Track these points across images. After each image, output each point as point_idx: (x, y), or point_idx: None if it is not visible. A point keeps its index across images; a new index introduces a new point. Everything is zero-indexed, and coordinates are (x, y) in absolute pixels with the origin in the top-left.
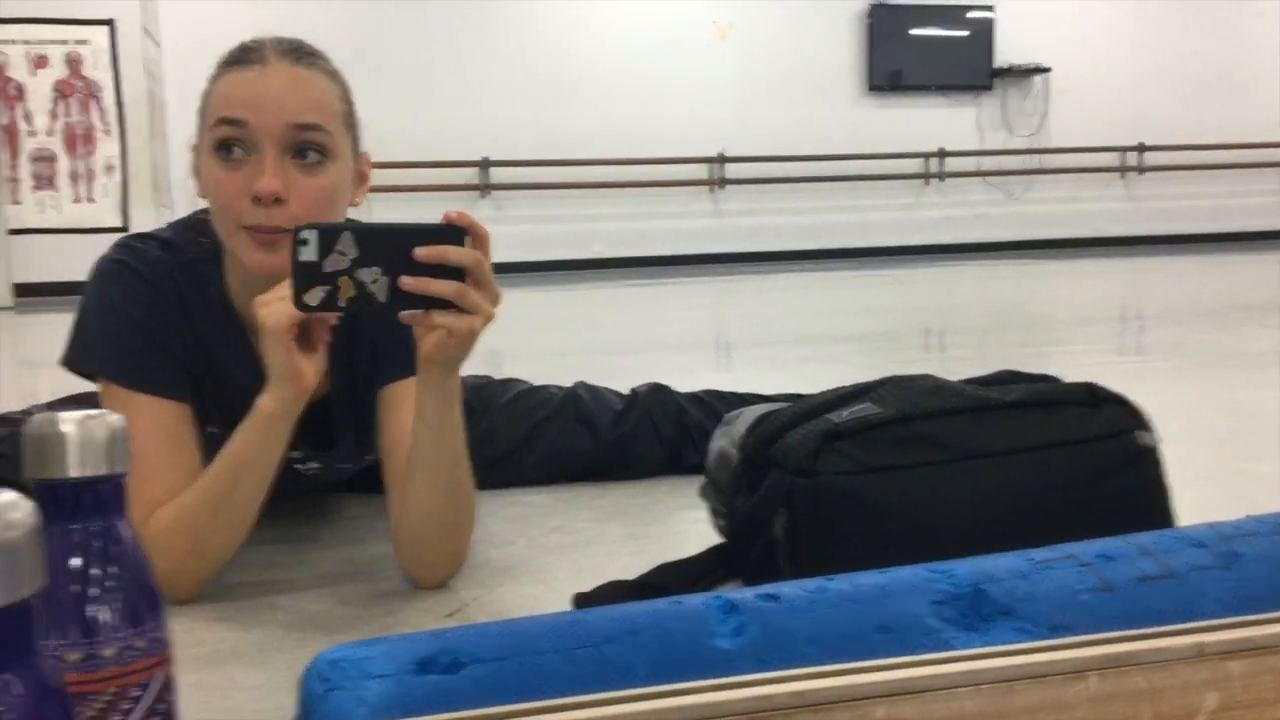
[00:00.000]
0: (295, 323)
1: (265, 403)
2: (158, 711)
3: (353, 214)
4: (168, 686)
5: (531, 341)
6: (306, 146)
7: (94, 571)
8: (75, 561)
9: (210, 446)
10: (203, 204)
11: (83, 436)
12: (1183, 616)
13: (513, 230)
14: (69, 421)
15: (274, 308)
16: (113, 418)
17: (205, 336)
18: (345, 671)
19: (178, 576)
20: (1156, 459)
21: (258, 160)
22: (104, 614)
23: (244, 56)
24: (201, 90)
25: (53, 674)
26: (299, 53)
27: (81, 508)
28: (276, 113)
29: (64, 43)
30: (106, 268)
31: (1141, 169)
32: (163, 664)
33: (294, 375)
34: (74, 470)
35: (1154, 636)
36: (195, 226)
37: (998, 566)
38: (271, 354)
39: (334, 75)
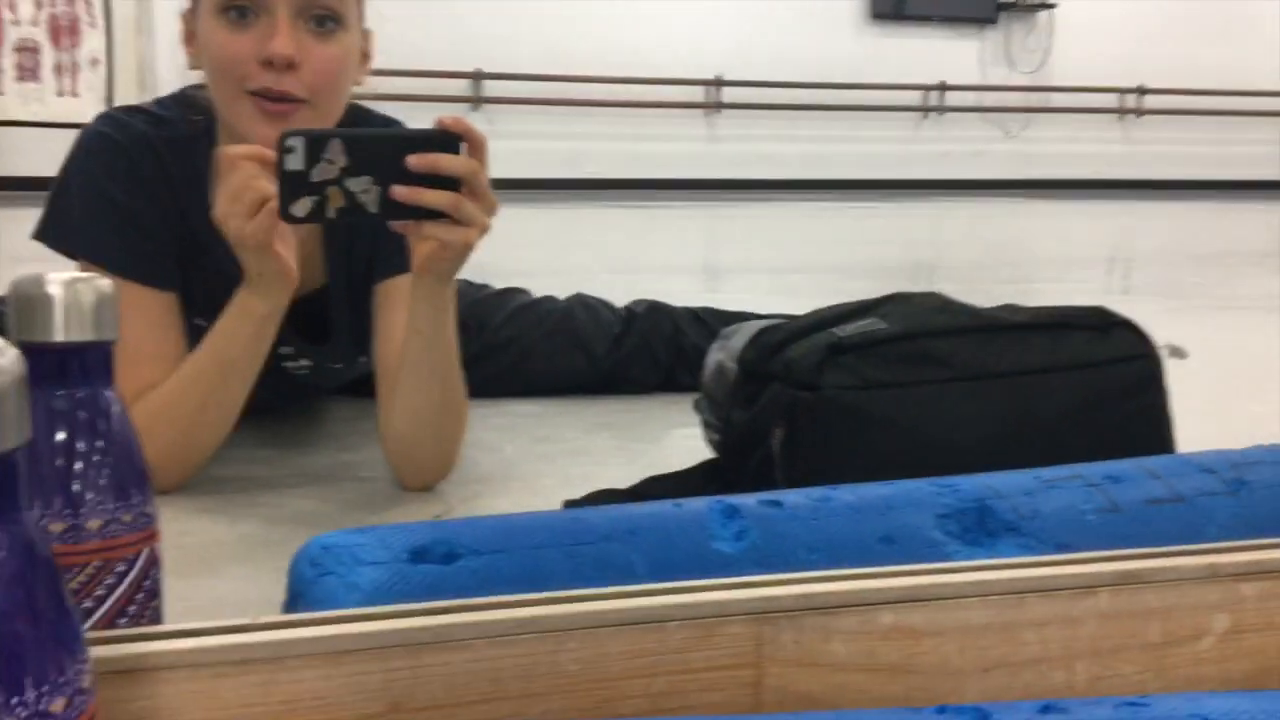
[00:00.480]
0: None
1: (253, 304)
2: (143, 588)
3: (357, 93)
4: (153, 563)
5: (523, 258)
6: (322, 11)
7: (79, 441)
8: (60, 428)
9: (195, 338)
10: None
11: (70, 299)
12: (1189, 540)
13: (505, 145)
14: (56, 283)
15: (253, 224)
16: (102, 282)
17: (192, 219)
18: (338, 557)
19: (163, 465)
20: (1163, 385)
21: (269, 22)
22: (89, 485)
23: None
24: None
25: (39, 535)
26: None
27: (68, 373)
28: None
29: None
30: (90, 140)
31: (1140, 111)
32: (149, 540)
33: (283, 273)
34: (60, 334)
35: (1167, 555)
36: (185, 101)
37: (1004, 483)
38: (256, 263)
39: None
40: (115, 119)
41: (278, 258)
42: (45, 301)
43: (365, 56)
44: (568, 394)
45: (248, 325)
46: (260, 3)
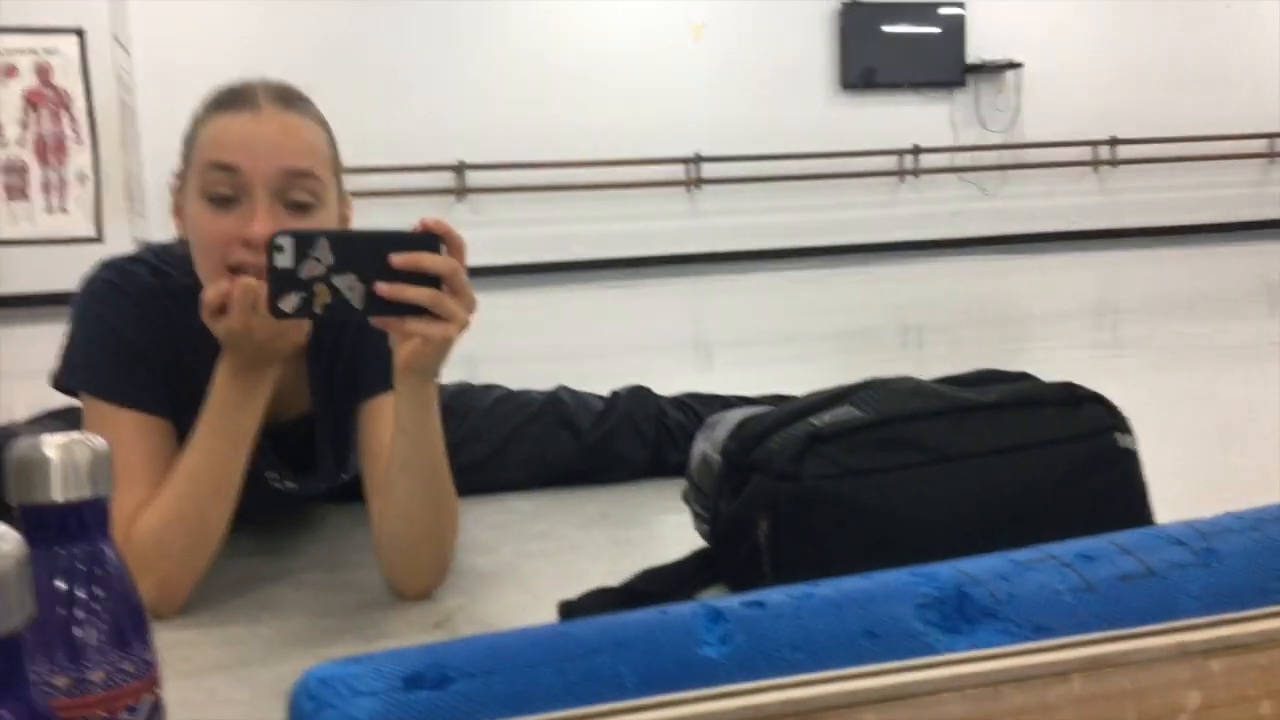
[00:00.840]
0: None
1: (271, 374)
2: None
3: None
4: (156, 709)
5: (509, 345)
6: (298, 199)
7: (80, 595)
8: (61, 586)
9: None
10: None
11: (66, 460)
12: (1163, 615)
13: (489, 234)
14: (52, 446)
15: (279, 339)
16: (95, 440)
17: (190, 364)
18: (334, 689)
19: (172, 580)
20: (1136, 458)
21: (249, 204)
22: (91, 638)
23: (234, 100)
24: (176, 111)
25: (42, 704)
26: (290, 98)
27: (66, 531)
28: (270, 158)
29: (33, 52)
30: (96, 287)
31: (1114, 162)
32: (151, 686)
33: (298, 338)
34: (58, 494)
35: (1137, 637)
36: (182, 258)
37: (979, 568)
38: (284, 342)
39: (322, 121)
40: (120, 268)
41: (293, 327)
42: (42, 464)
43: (343, 220)
44: (559, 482)
45: (261, 394)
46: (241, 190)
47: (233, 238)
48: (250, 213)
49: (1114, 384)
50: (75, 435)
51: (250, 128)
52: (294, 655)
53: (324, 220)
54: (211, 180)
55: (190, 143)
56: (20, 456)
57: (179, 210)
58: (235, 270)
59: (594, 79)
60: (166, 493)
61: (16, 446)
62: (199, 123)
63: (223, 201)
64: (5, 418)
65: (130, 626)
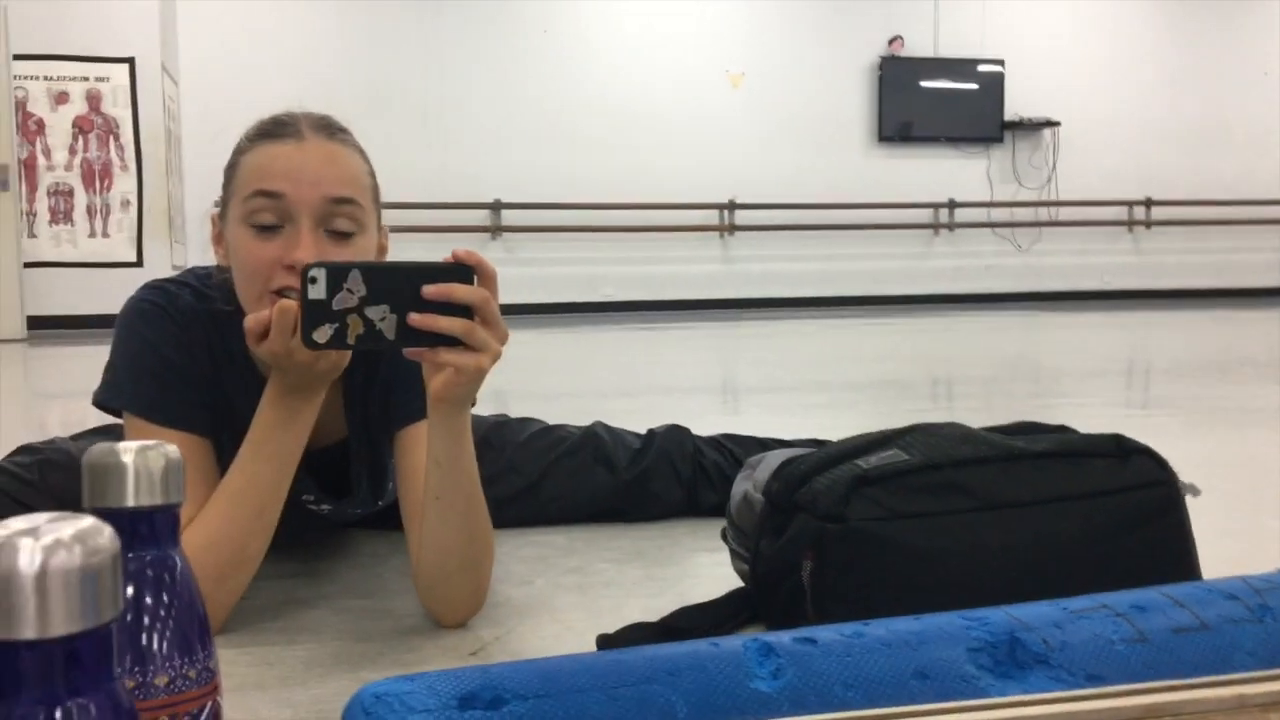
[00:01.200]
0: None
1: (292, 402)
2: None
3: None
4: (216, 716)
5: (540, 383)
6: (340, 227)
7: (149, 601)
8: (131, 591)
9: None
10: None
11: (141, 467)
12: (1216, 668)
13: (523, 272)
14: (129, 451)
15: (321, 360)
16: (169, 449)
17: (229, 388)
18: (389, 705)
19: (217, 592)
20: (1183, 510)
21: (293, 231)
22: (158, 643)
23: (278, 130)
24: (220, 142)
25: (127, 698)
26: (331, 128)
27: (138, 537)
28: (314, 186)
29: (84, 79)
30: (137, 306)
31: (1149, 223)
32: (212, 693)
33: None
34: (131, 500)
35: (1195, 687)
36: (222, 281)
37: (1032, 615)
38: (323, 365)
39: (362, 152)
40: (164, 290)
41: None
42: (118, 470)
43: (381, 249)
44: (594, 519)
45: (308, 414)
46: (285, 217)
47: (276, 264)
48: (294, 239)
49: (1149, 443)
50: (150, 443)
51: (294, 156)
52: (332, 677)
53: (365, 247)
54: (256, 207)
55: (232, 171)
56: (97, 461)
57: (219, 238)
58: (279, 295)
59: (632, 123)
60: (209, 512)
61: (94, 451)
62: (241, 151)
63: (266, 229)
64: (41, 436)
65: (195, 634)
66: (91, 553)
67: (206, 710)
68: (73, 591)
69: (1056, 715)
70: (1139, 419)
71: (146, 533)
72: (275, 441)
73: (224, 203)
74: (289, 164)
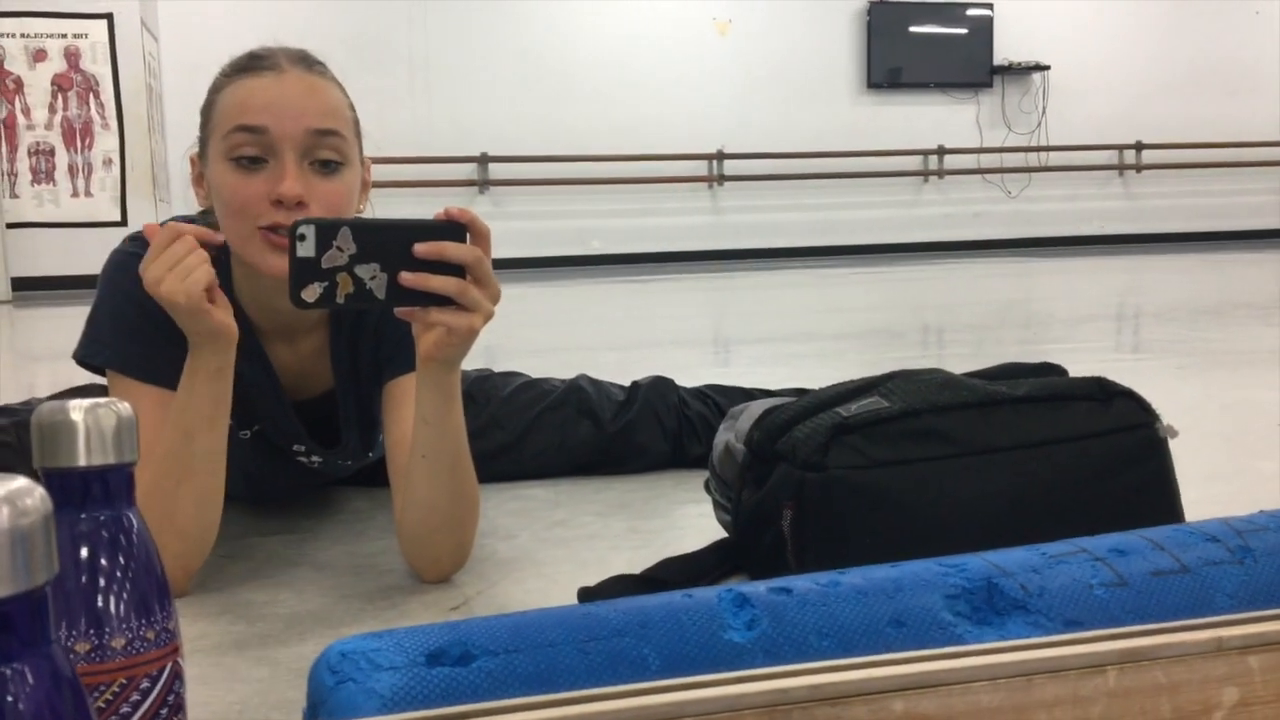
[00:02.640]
0: (207, 290)
1: (204, 359)
2: (167, 703)
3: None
4: (177, 677)
5: (529, 337)
6: (325, 157)
7: (103, 561)
8: (84, 552)
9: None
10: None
11: (92, 425)
12: (1196, 611)
13: (511, 226)
14: (78, 409)
15: (180, 286)
16: (121, 406)
17: None
18: (356, 663)
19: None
20: (1166, 453)
21: (276, 165)
22: (113, 604)
23: (255, 64)
24: (203, 98)
25: (66, 663)
26: (309, 60)
27: (91, 497)
28: (297, 118)
29: (63, 36)
30: (119, 259)
31: (1139, 167)
32: (172, 655)
33: (220, 330)
34: (83, 459)
35: (1172, 631)
36: (211, 226)
37: (1009, 560)
38: (192, 324)
39: (340, 84)
40: (144, 240)
41: (211, 315)
42: (69, 428)
43: (365, 184)
44: (579, 472)
45: (200, 384)
46: (269, 147)
47: (263, 199)
48: (279, 173)
49: (1139, 387)
50: (101, 400)
51: (274, 89)
52: (313, 635)
53: (350, 180)
54: (237, 142)
55: (210, 109)
56: (46, 420)
57: (199, 179)
58: (269, 231)
59: (618, 74)
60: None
61: (42, 410)
62: (218, 88)
63: (250, 163)
64: (28, 396)
65: (153, 594)
66: (21, 514)
67: (166, 671)
68: (1, 554)
69: (1033, 661)
70: (1130, 363)
71: (99, 493)
72: (185, 410)
73: (203, 141)
74: (269, 97)
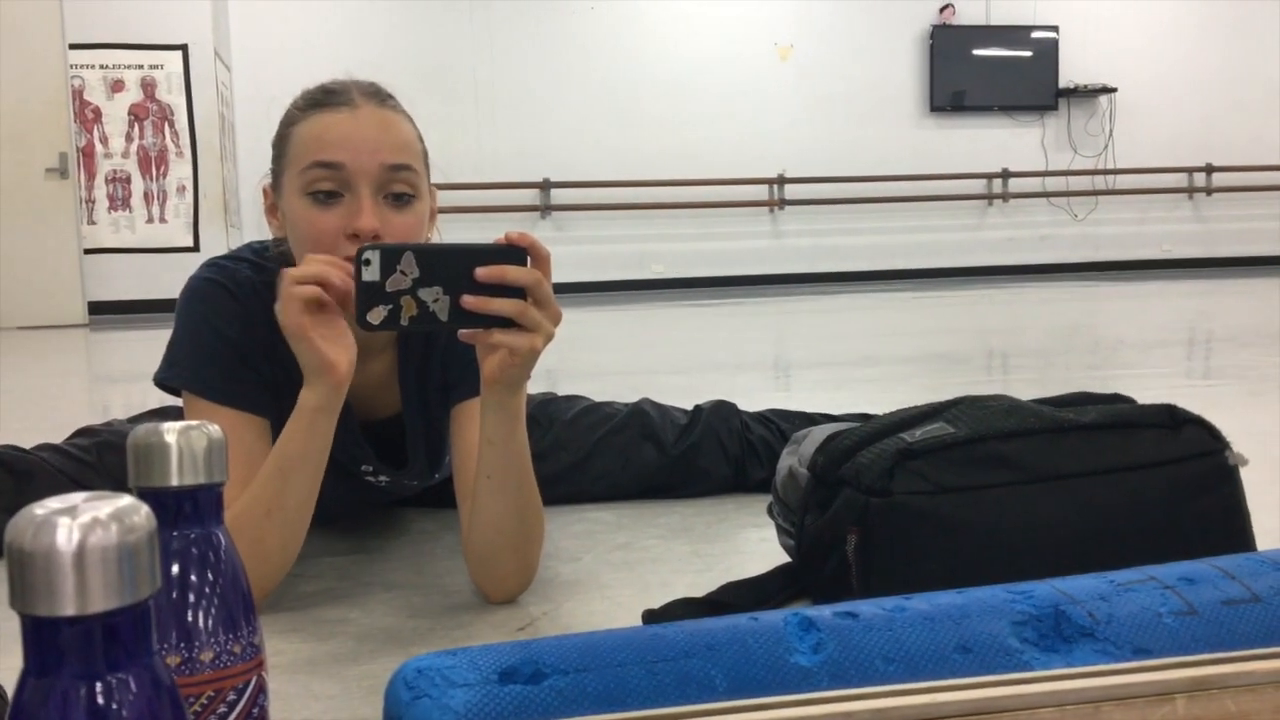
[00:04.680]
0: (308, 314)
1: (305, 397)
2: (252, 715)
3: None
4: (261, 690)
5: (591, 361)
6: (399, 190)
7: (193, 578)
8: (175, 568)
9: None
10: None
11: (184, 446)
12: (1268, 640)
13: (573, 250)
14: (171, 432)
15: (284, 307)
16: (211, 429)
17: (287, 356)
18: (431, 679)
19: None
20: (1237, 481)
21: (352, 199)
22: (202, 619)
23: (329, 99)
24: (276, 130)
25: (166, 674)
26: (381, 94)
27: (182, 515)
28: (372, 154)
29: (139, 67)
30: (198, 285)
31: (1209, 190)
32: (257, 668)
33: (326, 368)
34: (175, 479)
35: (1243, 660)
36: (280, 253)
37: (1077, 588)
38: (299, 352)
39: (410, 117)
40: (222, 266)
41: (316, 349)
42: (162, 450)
43: (433, 213)
44: (642, 496)
45: (301, 420)
46: (344, 186)
47: (339, 233)
48: (355, 207)
49: (1209, 413)
50: (194, 422)
51: (350, 125)
52: (383, 653)
53: (421, 211)
54: (314, 178)
55: (284, 142)
56: (141, 441)
57: (273, 209)
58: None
59: (680, 99)
60: (237, 500)
61: (138, 432)
62: (293, 122)
63: (326, 197)
64: (102, 419)
65: (239, 610)
66: (128, 530)
67: (252, 684)
68: (110, 568)
69: (1101, 688)
70: (1202, 389)
71: (190, 511)
72: (284, 443)
73: (276, 174)
74: (345, 133)
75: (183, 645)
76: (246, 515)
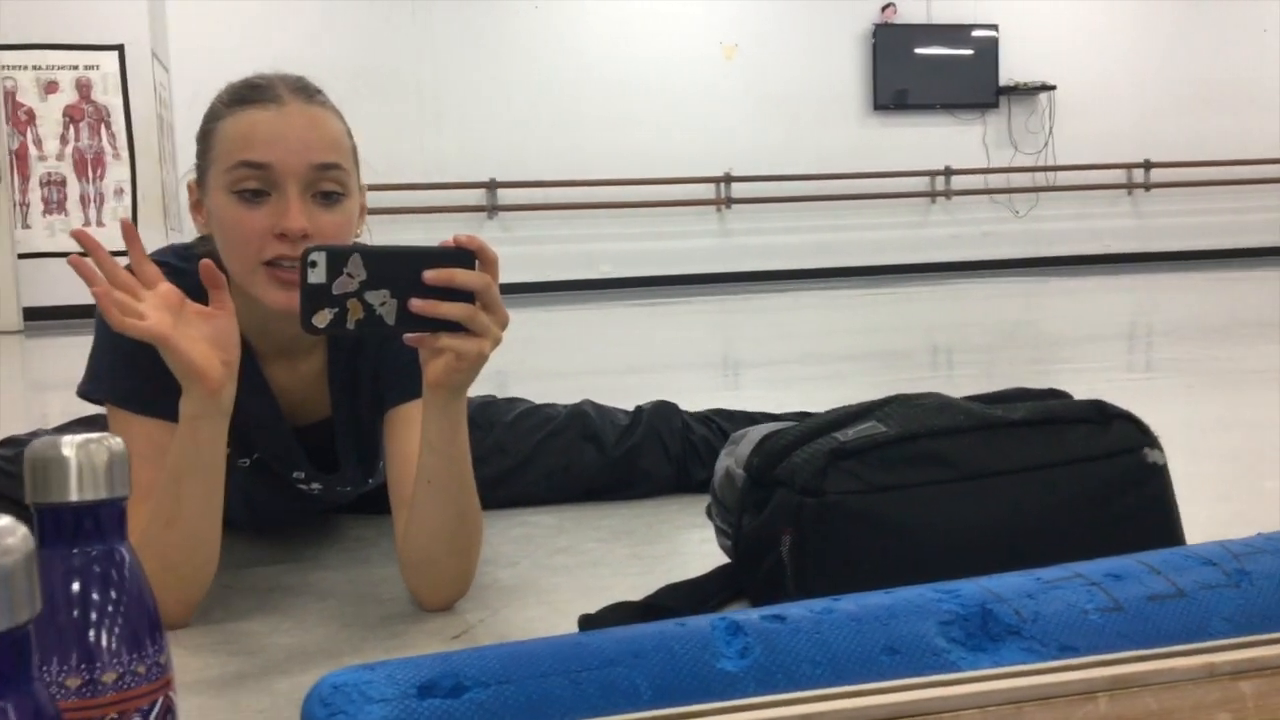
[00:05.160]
0: (168, 312)
1: (183, 404)
2: None
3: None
4: (169, 711)
5: (537, 361)
6: (328, 188)
7: (94, 596)
8: (75, 586)
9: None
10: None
11: (84, 460)
12: (1192, 635)
13: (520, 251)
14: (70, 445)
15: (142, 325)
16: (113, 441)
17: None
18: (348, 695)
19: (157, 596)
20: (1165, 476)
21: (280, 198)
22: (104, 639)
23: (255, 95)
24: (200, 124)
25: (48, 702)
26: (309, 90)
27: (82, 531)
28: (300, 153)
29: (74, 68)
30: None
31: (1148, 186)
32: (164, 688)
33: (197, 375)
34: (75, 494)
35: (1164, 657)
36: (208, 253)
37: (1005, 586)
38: (169, 361)
39: (338, 112)
40: None
41: (181, 355)
42: (60, 464)
43: (362, 209)
44: (583, 498)
45: (183, 428)
46: (271, 185)
47: (267, 233)
48: (282, 206)
49: (1146, 407)
50: (94, 435)
51: (277, 123)
52: (314, 665)
53: (350, 209)
54: (240, 177)
55: (209, 137)
56: (38, 456)
57: (198, 206)
58: (271, 265)
59: (625, 98)
60: (139, 512)
61: (34, 446)
62: (218, 117)
63: (253, 196)
64: (37, 426)
65: (144, 629)
66: (3, 553)
67: (158, 705)
68: None
69: (1024, 688)
70: (1140, 382)
71: (91, 527)
72: (173, 453)
73: (201, 170)
74: (272, 131)
75: (83, 666)
76: (151, 529)
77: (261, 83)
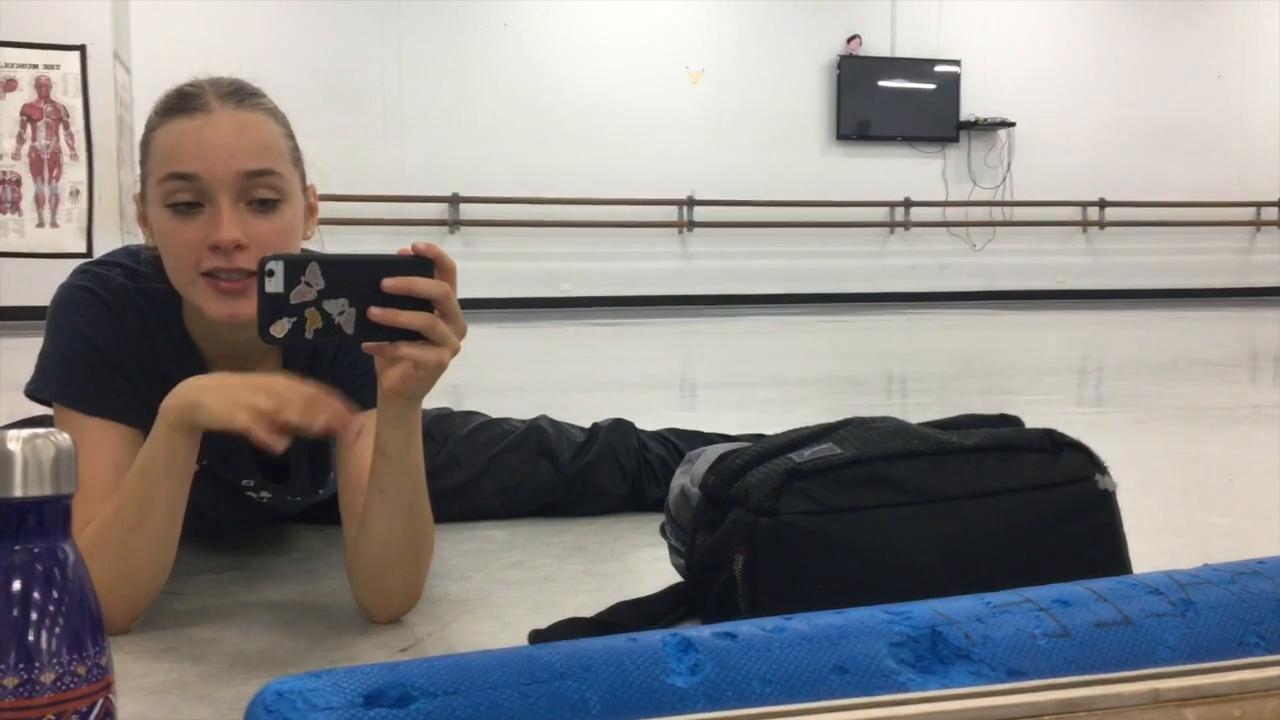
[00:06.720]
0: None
1: (167, 415)
2: None
3: (306, 246)
4: (108, 714)
5: (495, 377)
6: (261, 195)
7: (35, 595)
8: (16, 584)
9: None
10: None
11: (30, 455)
12: (1138, 663)
13: (481, 266)
14: (15, 440)
15: (254, 422)
16: (61, 437)
17: (166, 365)
18: (292, 703)
19: (105, 601)
20: (1114, 506)
21: (213, 209)
22: (44, 639)
23: (184, 104)
24: (141, 135)
25: None
26: (240, 94)
27: (25, 528)
28: (227, 162)
29: (34, 67)
30: (68, 293)
31: (1102, 224)
32: (104, 691)
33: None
34: (18, 490)
35: (1110, 682)
36: (156, 258)
37: (955, 609)
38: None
39: (275, 113)
40: (94, 273)
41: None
42: (5, 458)
43: (311, 210)
44: (537, 513)
45: (161, 436)
46: (203, 195)
47: (201, 245)
48: (215, 217)
49: (1097, 440)
50: (40, 431)
51: (203, 132)
52: (258, 674)
53: (290, 214)
54: (171, 189)
55: (146, 148)
56: None
57: (143, 218)
58: (210, 277)
59: (591, 119)
60: (100, 516)
61: None
62: (152, 127)
63: (186, 208)
64: None
65: (85, 629)
66: None
67: (97, 708)
68: None
69: (973, 710)
70: (1092, 416)
71: (34, 524)
72: (146, 456)
73: (143, 180)
74: (198, 141)
75: (21, 666)
76: (109, 531)
77: (191, 90)
